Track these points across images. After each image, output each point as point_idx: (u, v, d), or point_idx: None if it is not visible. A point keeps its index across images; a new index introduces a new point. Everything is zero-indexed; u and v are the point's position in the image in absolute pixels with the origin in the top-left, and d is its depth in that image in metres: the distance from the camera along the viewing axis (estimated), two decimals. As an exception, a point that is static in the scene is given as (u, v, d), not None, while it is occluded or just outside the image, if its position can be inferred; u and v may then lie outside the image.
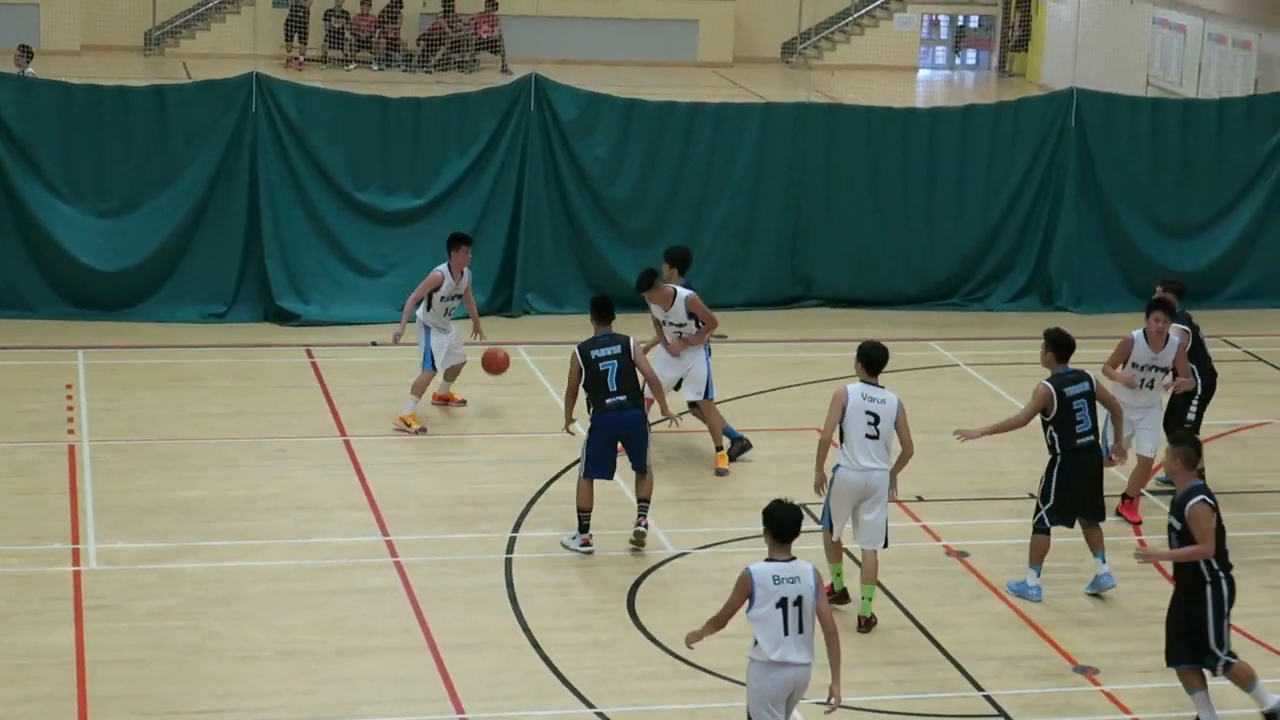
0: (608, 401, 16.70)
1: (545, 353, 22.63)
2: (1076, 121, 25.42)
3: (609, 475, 16.85)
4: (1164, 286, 18.14)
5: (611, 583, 16.06)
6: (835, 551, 15.75)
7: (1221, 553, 13.68)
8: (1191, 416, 18.00)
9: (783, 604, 12.34)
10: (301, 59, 41.38)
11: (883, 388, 15.47)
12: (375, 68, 41.52)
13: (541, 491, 18.12)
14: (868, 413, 15.26)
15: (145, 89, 23.80)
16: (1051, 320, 24.67)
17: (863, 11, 46.04)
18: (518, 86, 24.39)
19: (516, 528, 17.24)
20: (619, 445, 16.83)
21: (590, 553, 16.69)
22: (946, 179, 25.34)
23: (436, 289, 19.64)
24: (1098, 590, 16.25)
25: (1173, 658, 13.89)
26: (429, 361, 19.82)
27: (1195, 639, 13.74)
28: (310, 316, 23.45)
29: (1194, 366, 17.75)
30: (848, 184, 25.06)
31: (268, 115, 23.50)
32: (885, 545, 15.52)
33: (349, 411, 20.24)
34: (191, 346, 22.47)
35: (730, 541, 17.11)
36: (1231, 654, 13.81)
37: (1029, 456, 19.55)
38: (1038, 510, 16.10)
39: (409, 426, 19.67)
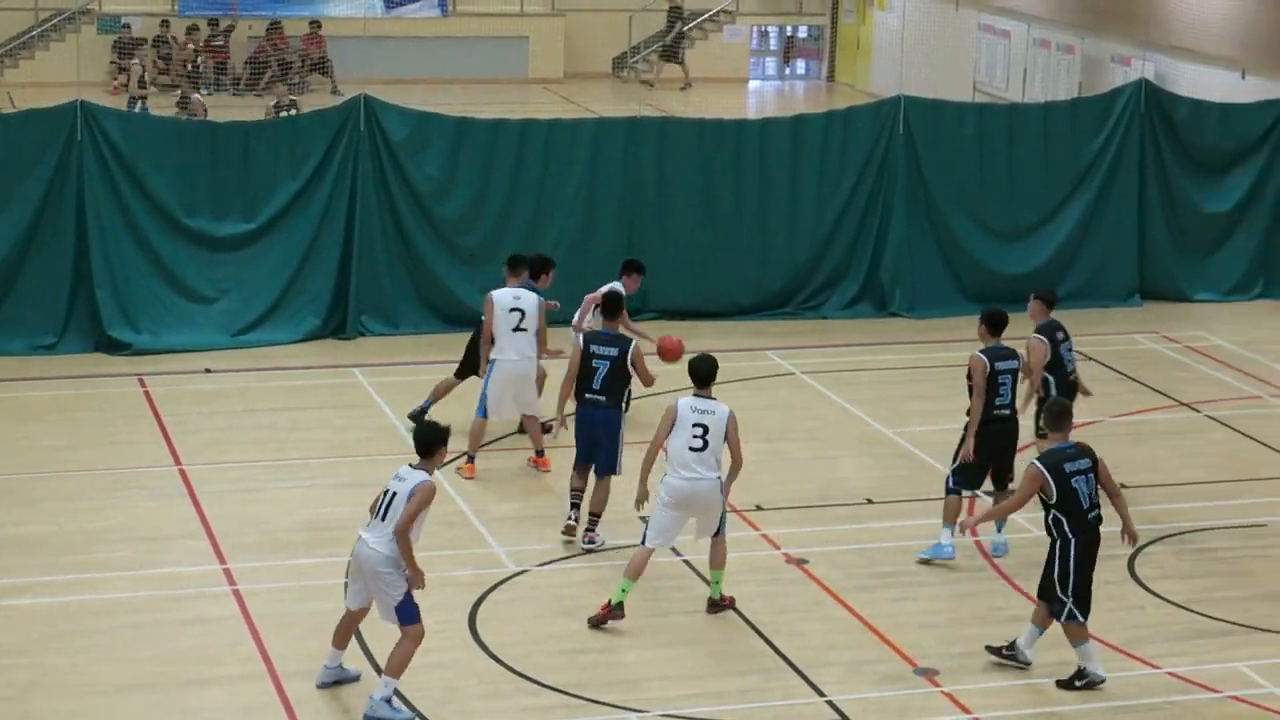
0: (586, 396, 17.27)
1: (381, 374, 22.53)
2: (905, 129, 25.67)
3: (587, 463, 17.35)
4: (1035, 296, 18.45)
5: (453, 603, 15.99)
6: (637, 569, 15.73)
7: (1077, 516, 14.36)
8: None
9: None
10: (136, 85, 40.94)
11: (714, 399, 15.54)
12: (204, 92, 41.14)
13: (381, 514, 17.99)
14: (695, 424, 15.43)
15: (-33, 119, 23.47)
16: (885, 327, 25.07)
17: (692, 24, 46.22)
18: (347, 107, 24.27)
19: (356, 551, 17.12)
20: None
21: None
22: (779, 189, 25.50)
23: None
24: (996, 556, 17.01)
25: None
26: None
27: (1048, 582, 14.55)
28: (142, 345, 23.17)
29: (1050, 376, 17.97)
30: (681, 196, 25.15)
31: (94, 143, 23.20)
32: (721, 532, 15.72)
33: (184, 440, 20.03)
34: (21, 380, 22.14)
35: (572, 557, 17.10)
36: (1075, 610, 14.42)
37: (867, 464, 19.81)
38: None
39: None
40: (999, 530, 17.35)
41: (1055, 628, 14.78)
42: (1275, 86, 28.82)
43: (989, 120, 26.34)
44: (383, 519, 13.90)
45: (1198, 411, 21.83)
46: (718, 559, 15.84)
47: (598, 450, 17.34)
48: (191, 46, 41.97)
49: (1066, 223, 26.52)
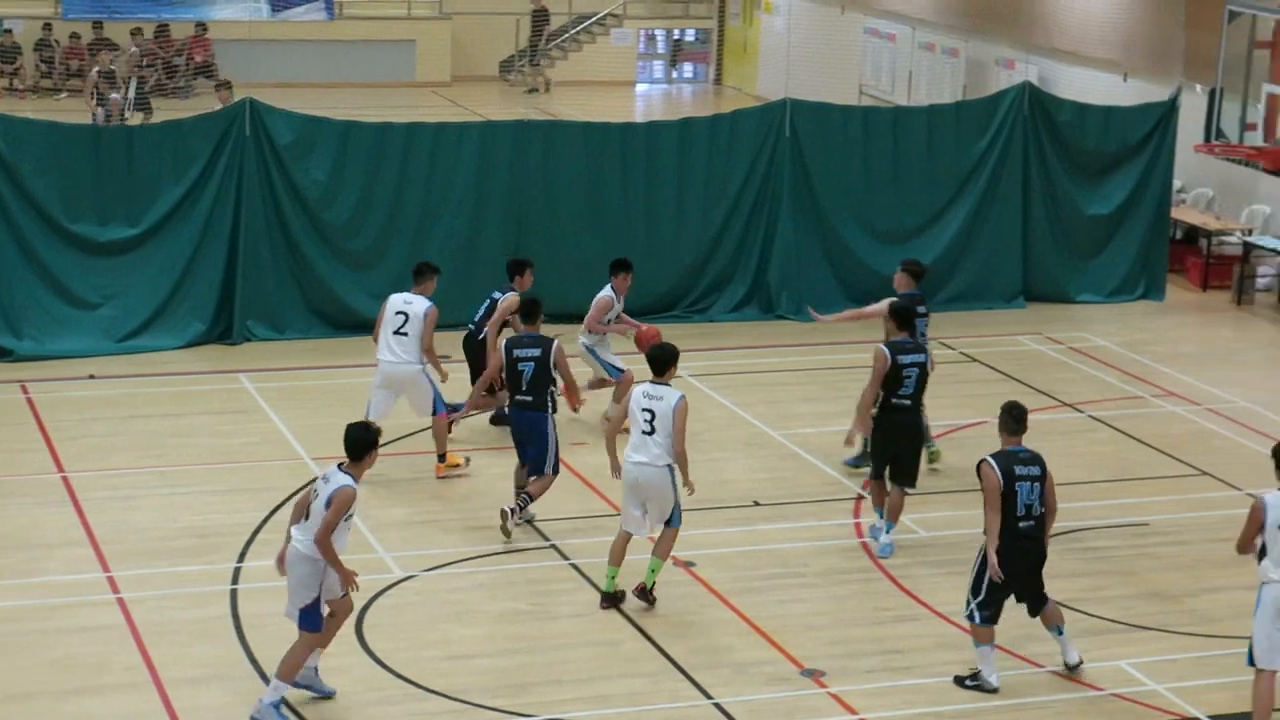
0: (516, 398, 17.53)
1: (268, 379, 22.41)
2: (791, 132, 25.77)
3: (523, 462, 17.74)
4: (902, 267, 19.11)
5: (340, 609, 15.93)
6: (616, 554, 16.10)
7: (1006, 519, 14.51)
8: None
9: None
10: (21, 88, 40.59)
11: (667, 386, 15.91)
12: (119, 95, 40.73)
13: (266, 520, 17.90)
14: (644, 409, 15.83)
15: None
16: (773, 329, 25.14)
17: (580, 28, 46.25)
18: (232, 111, 24.11)
19: (242, 558, 17.03)
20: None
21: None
22: (665, 192, 25.55)
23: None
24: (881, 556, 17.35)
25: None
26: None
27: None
28: (24, 351, 22.92)
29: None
30: (568, 200, 25.16)
31: (-28, 147, 22.99)
32: (673, 523, 15.98)
33: (67, 447, 19.85)
34: (-98, 386, 21.90)
35: (460, 562, 17.07)
36: (976, 613, 14.67)
37: (754, 466, 19.86)
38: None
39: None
40: (887, 531, 17.49)
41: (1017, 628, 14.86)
42: (1156, 89, 29.13)
43: (874, 123, 26.49)
44: (307, 518, 13.94)
45: (1081, 412, 22.03)
46: (661, 549, 16.05)
47: (528, 448, 17.63)
48: (81, 49, 41.54)
49: (951, 225, 26.71)
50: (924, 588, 16.69)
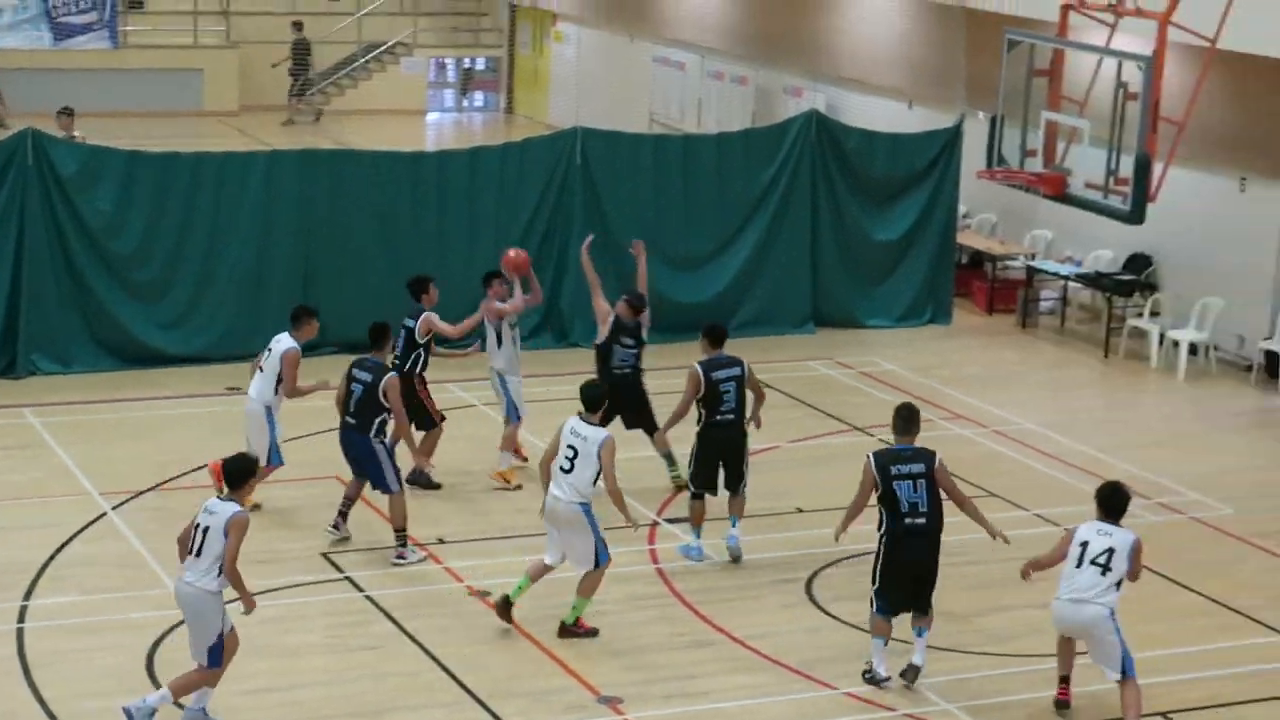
0: (345, 418, 17.88)
1: (53, 414, 22.04)
2: (582, 160, 25.84)
3: (356, 477, 18.15)
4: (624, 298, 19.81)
5: (129, 646, 15.66)
6: (532, 570, 16.39)
7: (892, 516, 15.11)
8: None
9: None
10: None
11: (593, 425, 15.99)
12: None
13: (53, 557, 17.59)
14: (568, 445, 15.96)
15: None
16: (566, 357, 25.13)
17: (369, 56, 46.05)
18: (13, 142, 23.69)
19: (28, 595, 16.71)
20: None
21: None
22: (457, 221, 25.49)
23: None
24: (733, 555, 17.87)
25: None
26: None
27: None
28: None
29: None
30: (358, 229, 25.01)
31: None
32: (596, 565, 16.04)
33: None
34: None
35: (267, 593, 16.83)
36: (874, 601, 15.29)
37: (548, 492, 19.79)
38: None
39: (508, 482, 19.84)
40: (696, 536, 17.65)
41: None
42: (940, 117, 29.57)
43: (664, 151, 26.63)
44: (197, 555, 13.95)
45: (872, 435, 22.25)
46: (584, 587, 16.16)
47: (363, 470, 17.87)
48: None
49: (741, 252, 26.90)
50: (720, 612, 16.77)
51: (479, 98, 48.07)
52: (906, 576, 15.23)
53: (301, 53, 44.09)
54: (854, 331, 27.28)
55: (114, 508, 18.99)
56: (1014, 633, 16.48)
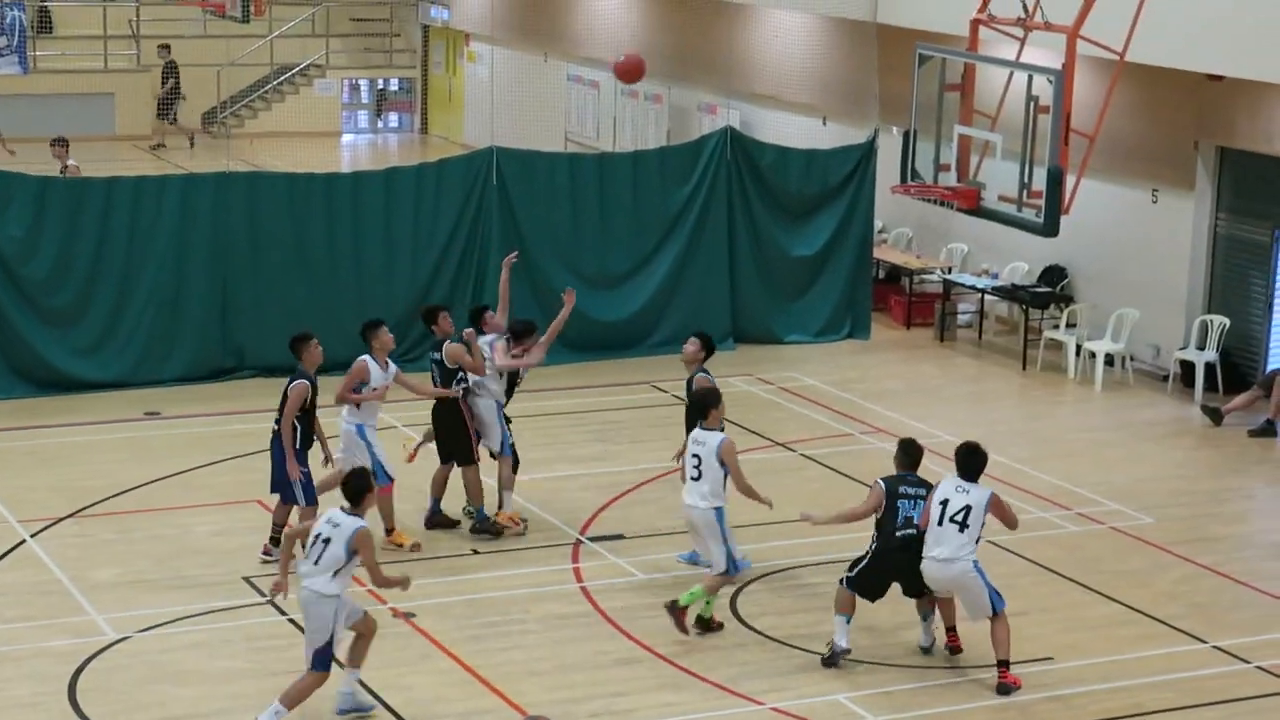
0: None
1: (-31, 442, 21.88)
2: (498, 179, 25.82)
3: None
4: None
5: (50, 674, 15.54)
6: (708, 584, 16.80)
7: (886, 527, 15.94)
8: None
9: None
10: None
11: (711, 430, 16.73)
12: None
13: (-29, 586, 17.47)
14: (693, 454, 16.83)
15: None
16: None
17: (283, 79, 45.88)
18: (-79, 171, 23.52)
19: (-54, 626, 16.58)
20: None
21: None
22: (373, 242, 25.41)
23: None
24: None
25: None
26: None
27: None
28: None
29: None
30: (274, 252, 24.91)
31: None
32: (725, 571, 16.71)
33: None
34: None
35: (175, 621, 16.76)
36: (846, 578, 16.07)
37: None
38: None
39: (517, 523, 19.17)
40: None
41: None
42: (855, 132, 29.68)
43: (580, 169, 26.64)
44: (316, 563, 14.40)
45: (793, 450, 22.33)
46: (706, 583, 16.73)
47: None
48: None
49: (659, 269, 26.93)
50: (644, 630, 16.76)
51: (394, 118, 47.96)
52: (889, 579, 16.21)
53: (170, 76, 43.51)
54: (773, 347, 27.34)
55: (32, 535, 18.84)
56: (935, 646, 16.51)
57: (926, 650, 16.39)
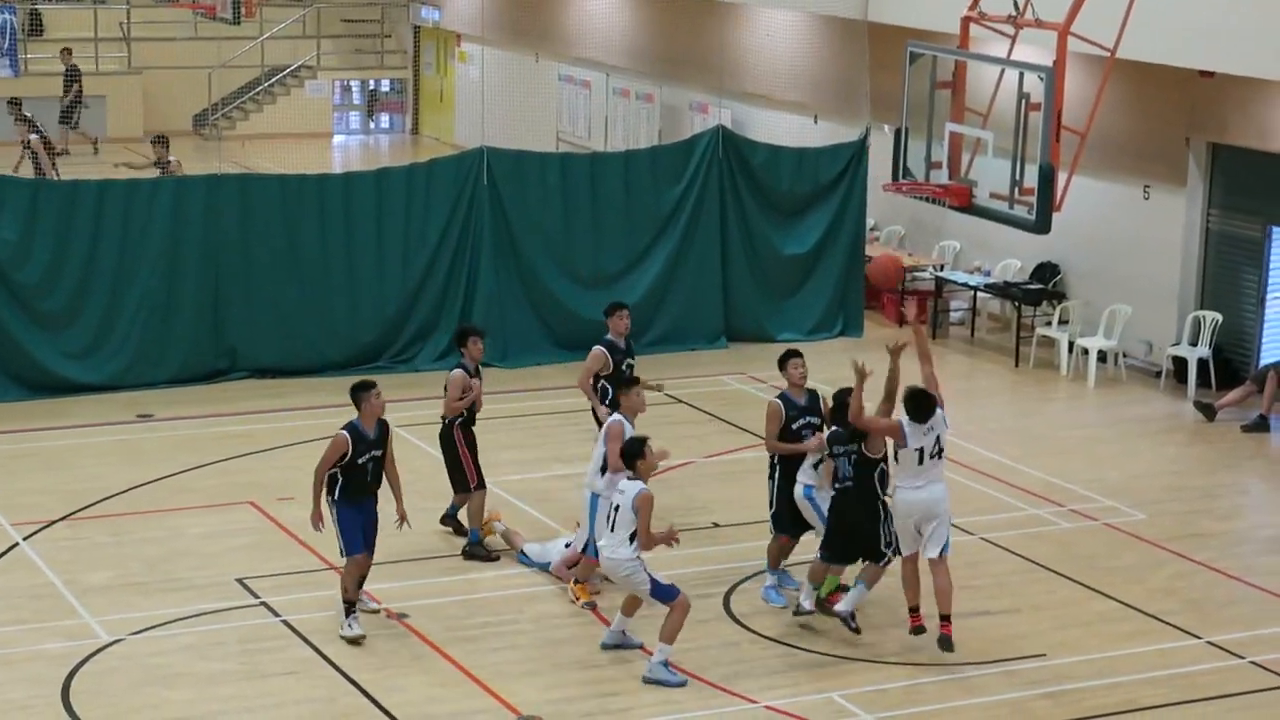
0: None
1: (-39, 445, 21.86)
2: (489, 179, 25.80)
3: None
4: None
5: (43, 677, 15.53)
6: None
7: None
8: None
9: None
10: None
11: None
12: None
13: (-36, 589, 17.46)
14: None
15: None
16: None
17: (274, 80, 45.86)
18: (-88, 174, 23.52)
19: (-61, 630, 16.56)
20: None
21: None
22: (365, 243, 25.40)
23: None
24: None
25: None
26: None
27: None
28: None
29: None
30: (266, 253, 24.89)
31: None
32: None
33: None
34: None
35: (167, 624, 16.75)
36: (820, 552, 16.60)
37: (464, 515, 19.75)
38: None
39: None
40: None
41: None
42: (846, 130, 29.66)
43: (571, 169, 26.63)
44: (612, 530, 15.70)
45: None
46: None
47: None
48: None
49: (652, 268, 26.93)
50: (639, 629, 16.70)
51: (385, 119, 47.92)
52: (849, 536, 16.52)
53: (71, 81, 43.00)
54: (766, 345, 27.27)
55: (25, 538, 18.82)
56: (928, 642, 16.47)
57: (802, 613, 16.70)
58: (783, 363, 17.82)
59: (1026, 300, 27.00)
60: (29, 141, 35.12)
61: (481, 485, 18.64)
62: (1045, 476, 21.39)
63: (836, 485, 16.54)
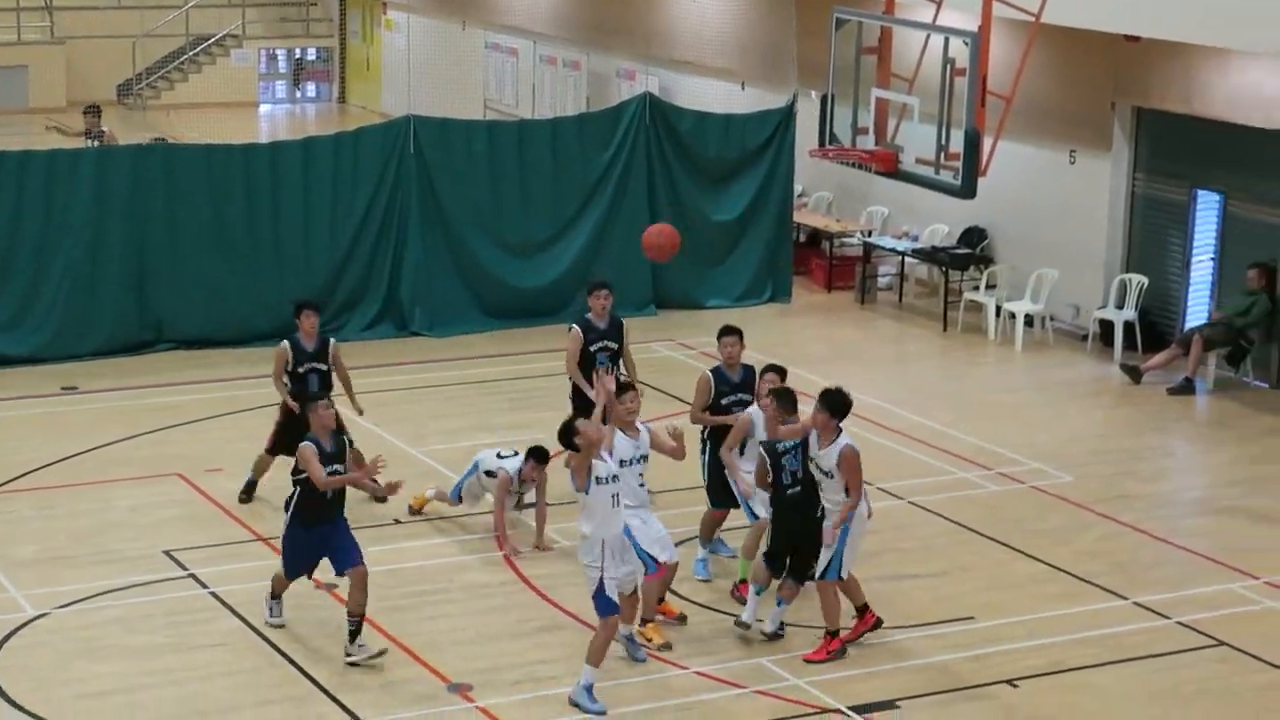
0: None
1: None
2: (416, 148, 25.70)
3: None
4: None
5: (-31, 653, 15.47)
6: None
7: (776, 490, 15.85)
8: None
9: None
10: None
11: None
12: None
13: (-112, 565, 17.32)
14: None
15: None
16: (408, 346, 25.06)
17: (199, 49, 45.56)
18: None
19: None
20: None
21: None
22: (292, 213, 25.27)
23: None
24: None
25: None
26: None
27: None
28: None
29: None
30: (191, 224, 24.73)
31: None
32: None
33: None
34: None
35: (95, 596, 16.66)
36: (763, 560, 16.11)
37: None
38: None
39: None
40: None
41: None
42: (773, 97, 29.67)
43: (499, 137, 26.55)
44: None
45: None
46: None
47: None
48: None
49: (580, 236, 26.90)
50: (568, 597, 16.74)
51: (311, 88, 47.71)
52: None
53: None
54: (694, 312, 27.33)
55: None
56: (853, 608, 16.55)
57: (747, 628, 15.97)
58: (719, 338, 17.65)
59: (954, 265, 27.09)
60: None
61: (272, 451, 18.71)
62: (973, 440, 21.48)
63: (788, 492, 15.83)
